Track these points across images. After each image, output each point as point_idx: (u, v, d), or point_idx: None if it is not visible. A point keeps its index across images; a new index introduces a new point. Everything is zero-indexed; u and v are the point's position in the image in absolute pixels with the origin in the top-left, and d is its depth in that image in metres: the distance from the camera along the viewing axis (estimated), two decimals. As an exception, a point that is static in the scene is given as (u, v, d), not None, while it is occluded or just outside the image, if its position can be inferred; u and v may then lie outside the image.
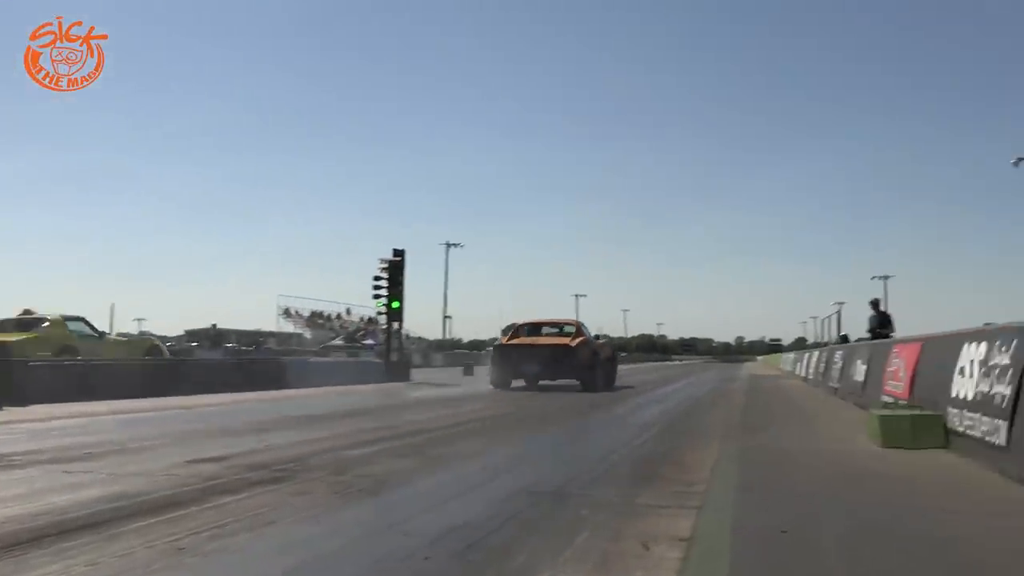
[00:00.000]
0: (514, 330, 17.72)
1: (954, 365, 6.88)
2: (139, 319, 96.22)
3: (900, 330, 17.04)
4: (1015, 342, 5.55)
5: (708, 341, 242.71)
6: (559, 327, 17.73)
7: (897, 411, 7.23)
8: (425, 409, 11.22)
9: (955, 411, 6.60)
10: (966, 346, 6.67)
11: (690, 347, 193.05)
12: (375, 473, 5.22)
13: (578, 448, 6.95)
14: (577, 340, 16.45)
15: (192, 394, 13.95)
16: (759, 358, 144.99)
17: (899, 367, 9.52)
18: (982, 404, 5.94)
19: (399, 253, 20.81)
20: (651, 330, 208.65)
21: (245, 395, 14.29)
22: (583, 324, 17.80)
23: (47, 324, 17.55)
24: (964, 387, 6.51)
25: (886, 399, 9.91)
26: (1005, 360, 5.65)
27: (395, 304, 20.98)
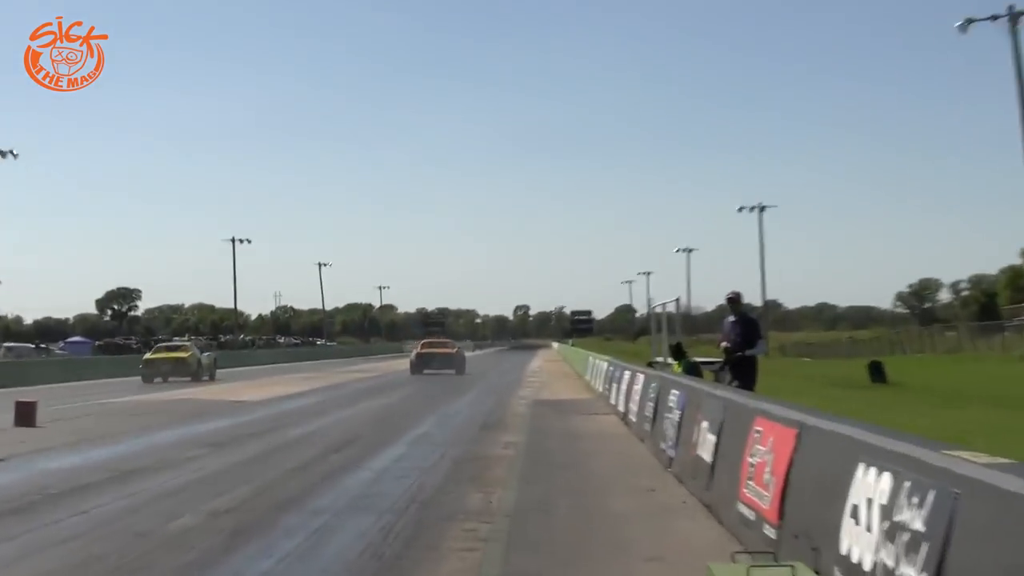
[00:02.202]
0: (422, 344, 63.67)
1: (845, 494, 7.21)
2: None
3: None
4: (933, 496, 5.83)
5: (469, 314, 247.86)
6: (444, 343, 65.58)
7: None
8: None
9: (845, 580, 6.93)
10: (861, 470, 6.97)
11: (437, 324, 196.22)
12: None
13: None
14: (455, 348, 61.97)
15: None
16: (556, 345, 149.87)
17: (766, 461, 9.91)
18: (889, 587, 6.24)
19: None
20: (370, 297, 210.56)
21: None
22: (451, 340, 79.60)
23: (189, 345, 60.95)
24: (859, 542, 6.80)
25: (744, 512, 10.35)
26: (918, 522, 5.92)
27: None
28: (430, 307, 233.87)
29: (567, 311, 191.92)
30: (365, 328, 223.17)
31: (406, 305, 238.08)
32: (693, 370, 23.04)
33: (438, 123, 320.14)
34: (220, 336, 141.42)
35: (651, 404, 19.78)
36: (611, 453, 18.72)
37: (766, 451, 9.92)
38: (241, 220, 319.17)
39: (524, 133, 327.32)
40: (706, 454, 13.02)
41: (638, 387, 23.10)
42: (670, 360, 26.66)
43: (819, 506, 7.82)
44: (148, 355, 54.94)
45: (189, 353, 53.65)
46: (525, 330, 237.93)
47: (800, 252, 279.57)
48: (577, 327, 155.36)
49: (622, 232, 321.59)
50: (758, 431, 10.38)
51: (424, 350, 59.80)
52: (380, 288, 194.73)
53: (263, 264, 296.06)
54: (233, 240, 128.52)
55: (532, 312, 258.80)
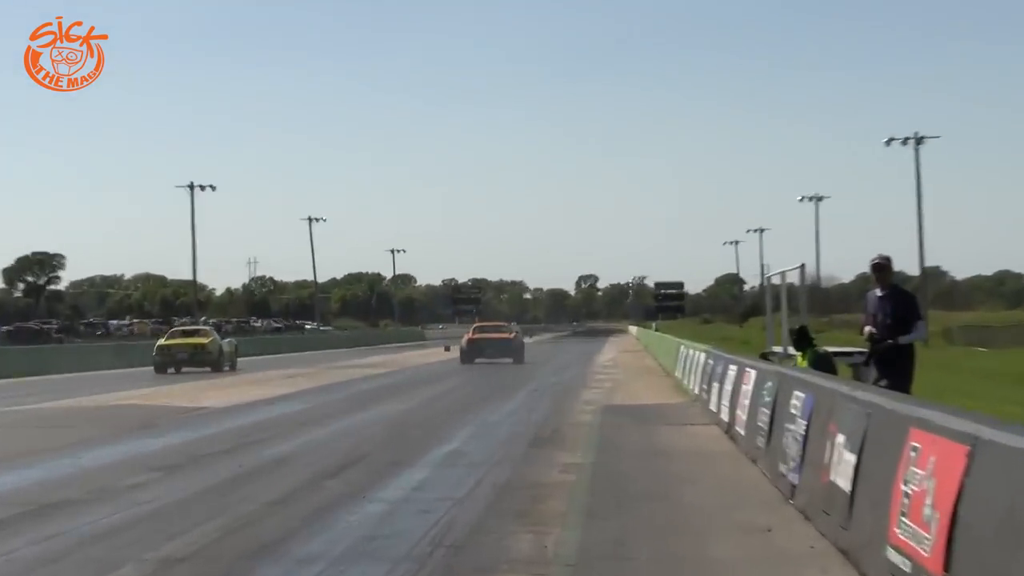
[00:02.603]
0: (473, 329, 78.60)
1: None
2: None
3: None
4: None
5: (515, 287, 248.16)
6: (499, 327, 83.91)
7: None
8: None
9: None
10: (1060, 503, 6.96)
11: (471, 301, 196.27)
12: None
13: None
14: (512, 333, 77.92)
15: None
16: (634, 330, 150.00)
17: (926, 489, 9.86)
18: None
19: None
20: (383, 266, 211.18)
21: None
22: (511, 324, 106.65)
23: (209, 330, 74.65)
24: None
25: (895, 560, 10.30)
26: None
27: None
28: (461, 278, 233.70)
29: (649, 283, 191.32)
30: (372, 307, 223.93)
31: (428, 276, 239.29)
32: (824, 364, 22.91)
33: (463, 40, 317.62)
34: (174, 318, 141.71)
35: (766, 411, 19.77)
36: (710, 478, 18.76)
37: (926, 476, 9.87)
38: (202, 163, 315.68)
39: (587, 52, 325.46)
40: (843, 480, 12.99)
41: (748, 387, 23.11)
42: (792, 350, 26.61)
43: (1000, 552, 7.78)
44: (162, 341, 65.01)
45: (210, 339, 63.63)
46: (591, 309, 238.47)
47: (972, 202, 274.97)
48: (663, 305, 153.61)
49: (724, 177, 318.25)
50: (915, 448, 10.33)
51: (476, 335, 72.51)
52: (393, 252, 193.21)
53: (232, 221, 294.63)
54: (191, 187, 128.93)
55: (601, 285, 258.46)
